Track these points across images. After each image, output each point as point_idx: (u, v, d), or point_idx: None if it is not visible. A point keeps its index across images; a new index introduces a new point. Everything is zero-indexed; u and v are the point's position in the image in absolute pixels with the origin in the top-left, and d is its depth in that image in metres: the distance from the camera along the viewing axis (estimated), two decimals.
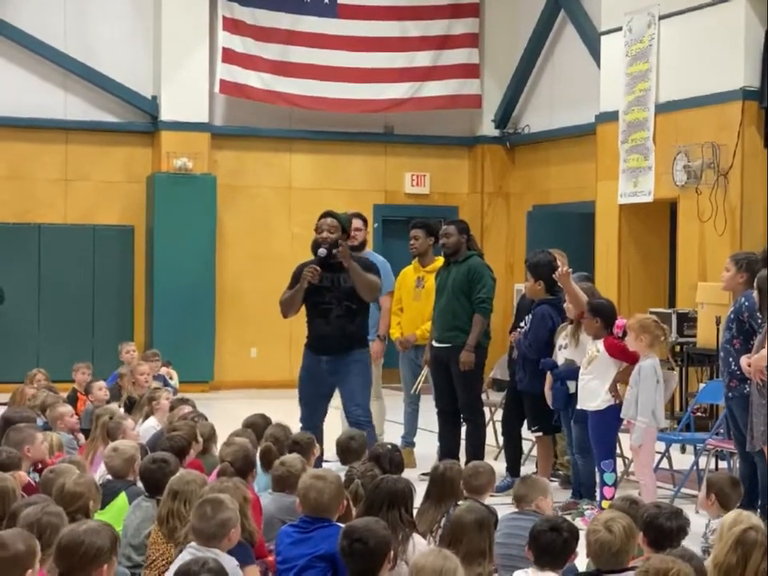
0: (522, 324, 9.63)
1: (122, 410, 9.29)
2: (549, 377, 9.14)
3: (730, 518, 4.68)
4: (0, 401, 13.64)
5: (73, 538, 4.42)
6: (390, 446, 6.99)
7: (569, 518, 5.85)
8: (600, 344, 8.60)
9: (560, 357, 9.08)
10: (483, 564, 5.32)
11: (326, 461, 9.11)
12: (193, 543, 5.13)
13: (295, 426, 7.82)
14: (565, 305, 9.02)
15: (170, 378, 12.13)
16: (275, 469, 6.57)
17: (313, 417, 9.24)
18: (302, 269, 9.22)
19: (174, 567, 4.92)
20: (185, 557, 5.00)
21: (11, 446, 6.89)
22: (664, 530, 5.14)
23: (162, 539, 5.64)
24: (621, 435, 9.27)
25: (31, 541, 4.31)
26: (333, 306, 9.16)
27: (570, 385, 8.90)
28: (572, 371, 8.84)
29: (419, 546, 5.57)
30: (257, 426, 7.87)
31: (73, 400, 10.31)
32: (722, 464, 10.25)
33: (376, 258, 10.74)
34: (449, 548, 4.93)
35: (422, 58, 17.78)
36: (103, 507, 6.06)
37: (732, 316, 8.33)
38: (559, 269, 8.93)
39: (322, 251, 9.11)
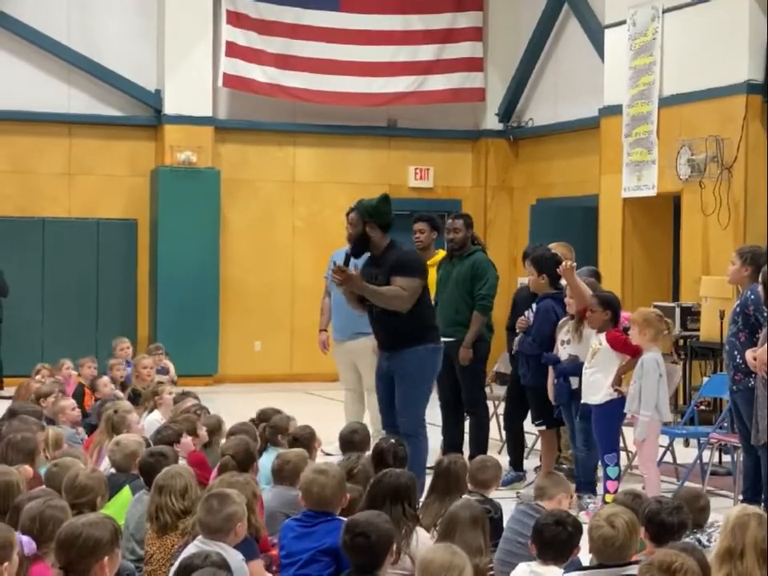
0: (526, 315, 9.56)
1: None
2: (551, 371, 9.12)
3: (734, 513, 4.68)
4: (5, 394, 13.69)
5: (71, 530, 4.39)
6: (393, 440, 6.99)
7: (572, 512, 5.83)
8: (602, 337, 8.57)
9: (563, 352, 8.99)
10: (479, 557, 5.33)
11: (328, 454, 9.11)
12: (200, 536, 5.14)
13: (300, 420, 7.82)
14: (566, 299, 8.95)
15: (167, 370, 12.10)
16: (272, 463, 6.60)
17: (387, 417, 8.64)
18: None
19: (179, 560, 4.93)
20: (191, 549, 5.01)
21: (11, 433, 6.87)
22: (665, 524, 5.13)
23: (155, 535, 5.66)
24: (624, 429, 9.27)
25: (8, 534, 4.25)
26: (373, 305, 8.51)
27: (573, 381, 8.82)
28: (575, 367, 8.76)
29: (423, 539, 5.57)
30: (266, 415, 7.91)
31: (80, 395, 10.29)
32: (726, 458, 10.26)
33: None
34: (442, 541, 4.93)
35: (426, 52, 17.76)
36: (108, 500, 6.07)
37: (738, 309, 8.33)
38: (564, 263, 8.83)
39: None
